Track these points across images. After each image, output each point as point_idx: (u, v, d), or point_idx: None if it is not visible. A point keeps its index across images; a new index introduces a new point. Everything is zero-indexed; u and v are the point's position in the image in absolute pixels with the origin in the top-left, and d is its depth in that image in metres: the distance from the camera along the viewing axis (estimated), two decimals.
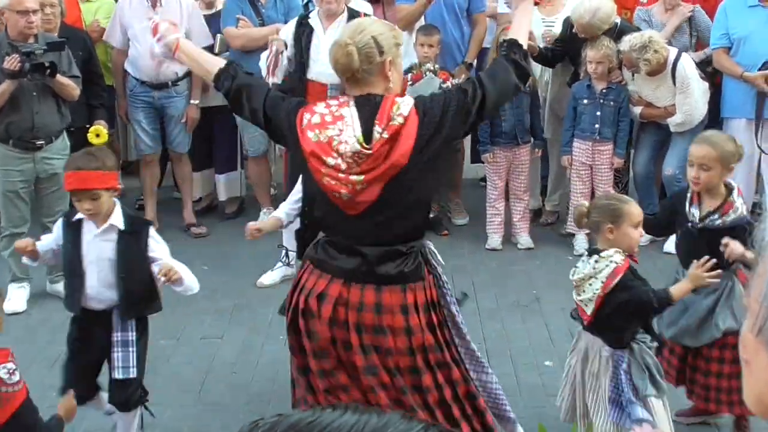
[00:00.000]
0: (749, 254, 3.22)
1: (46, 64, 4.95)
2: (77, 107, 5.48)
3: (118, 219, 3.48)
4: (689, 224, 3.68)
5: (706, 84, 5.82)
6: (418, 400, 3.12)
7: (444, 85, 5.47)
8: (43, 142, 5.18)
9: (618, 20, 5.96)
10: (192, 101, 6.24)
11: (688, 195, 3.71)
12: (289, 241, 5.54)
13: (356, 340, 3.07)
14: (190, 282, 3.52)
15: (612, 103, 5.83)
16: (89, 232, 3.51)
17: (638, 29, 5.86)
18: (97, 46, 6.16)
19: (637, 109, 5.91)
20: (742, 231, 3.45)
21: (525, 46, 3.22)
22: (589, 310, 3.32)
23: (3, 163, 5.19)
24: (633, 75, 5.86)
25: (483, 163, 6.26)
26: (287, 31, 5.29)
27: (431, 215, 3.65)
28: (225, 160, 6.70)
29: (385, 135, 2.96)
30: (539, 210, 6.62)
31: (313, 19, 5.33)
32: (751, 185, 5.98)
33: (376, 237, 3.04)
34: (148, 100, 6.20)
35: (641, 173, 6.05)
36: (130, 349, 3.51)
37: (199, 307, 5.13)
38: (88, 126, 5.71)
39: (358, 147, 2.95)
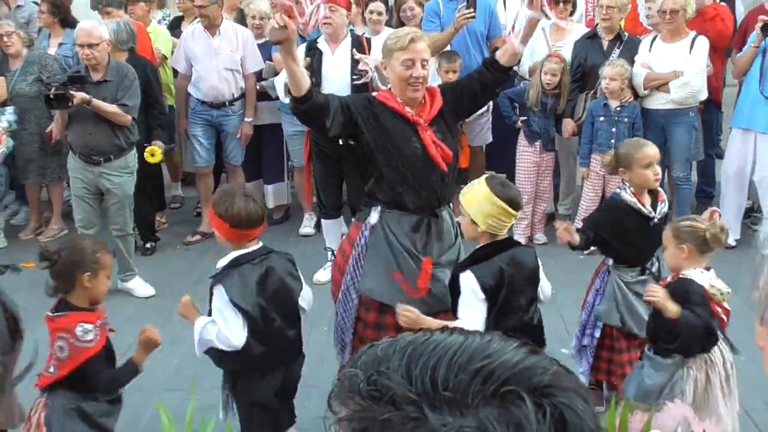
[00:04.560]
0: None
1: (67, 95, 5.35)
2: (138, 126, 5.85)
3: None
4: (651, 221, 3.94)
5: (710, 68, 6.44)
6: None
7: None
8: (101, 158, 5.61)
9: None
10: (246, 119, 6.76)
11: (631, 199, 3.96)
12: (332, 243, 5.96)
13: None
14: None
15: (626, 119, 6.19)
16: None
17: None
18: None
19: (641, 75, 6.26)
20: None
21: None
22: None
23: (72, 169, 5.76)
24: (652, 42, 6.32)
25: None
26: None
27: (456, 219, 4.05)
28: (273, 172, 7.14)
29: None
30: (552, 214, 7.03)
31: (321, 43, 5.81)
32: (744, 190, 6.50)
33: None
34: (208, 117, 6.73)
35: None
36: None
37: None
38: (145, 144, 6.18)
39: None
